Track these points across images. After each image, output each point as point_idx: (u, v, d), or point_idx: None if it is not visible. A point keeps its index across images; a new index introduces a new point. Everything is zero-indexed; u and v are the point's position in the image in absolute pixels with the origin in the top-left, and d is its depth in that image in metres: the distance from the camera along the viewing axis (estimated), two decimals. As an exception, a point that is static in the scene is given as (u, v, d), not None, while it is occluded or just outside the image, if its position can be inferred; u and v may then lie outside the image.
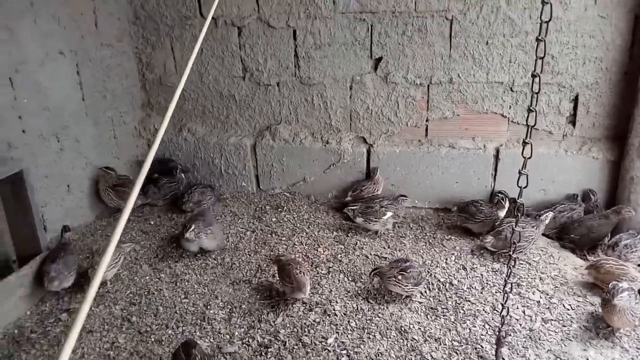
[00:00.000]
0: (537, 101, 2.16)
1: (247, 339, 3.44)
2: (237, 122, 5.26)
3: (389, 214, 4.47)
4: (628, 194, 4.22)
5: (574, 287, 3.81)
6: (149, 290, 3.92)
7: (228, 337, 3.47)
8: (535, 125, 4.43)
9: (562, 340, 3.33)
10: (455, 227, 4.61)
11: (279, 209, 4.98)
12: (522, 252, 4.12)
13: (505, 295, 2.31)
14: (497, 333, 2.25)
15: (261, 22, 4.82)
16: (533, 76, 2.17)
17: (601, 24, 4.17)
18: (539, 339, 3.34)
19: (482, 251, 4.26)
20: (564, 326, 3.43)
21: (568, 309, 3.60)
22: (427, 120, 4.76)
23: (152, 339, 3.44)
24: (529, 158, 2.27)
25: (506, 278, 2.27)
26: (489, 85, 4.54)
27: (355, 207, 4.49)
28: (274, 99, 5.05)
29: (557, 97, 4.44)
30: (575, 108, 4.46)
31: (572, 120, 4.51)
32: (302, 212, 4.92)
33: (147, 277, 4.07)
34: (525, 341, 3.33)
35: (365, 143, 4.92)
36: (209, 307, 3.75)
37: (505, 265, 4.05)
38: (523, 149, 2.12)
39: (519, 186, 2.15)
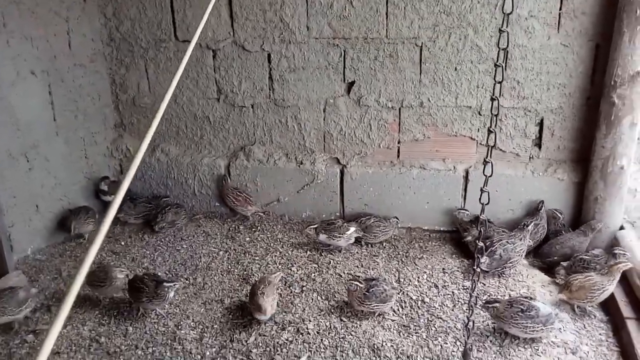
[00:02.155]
0: (496, 123, 2.27)
1: (218, 358, 3.40)
2: (211, 142, 5.28)
3: (352, 229, 4.53)
4: (593, 214, 4.37)
5: (542, 304, 3.90)
6: (119, 311, 3.84)
7: (199, 357, 3.42)
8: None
9: (530, 356, 3.39)
10: (426, 247, 4.67)
11: (253, 229, 4.98)
12: (514, 267, 4.20)
13: (471, 308, 2.36)
14: (464, 346, 2.30)
15: (236, 45, 4.89)
16: (492, 99, 2.28)
17: (564, 52, 4.37)
18: (509, 355, 3.40)
19: (452, 269, 4.33)
20: (532, 342, 3.49)
21: (536, 325, 3.67)
22: (398, 142, 4.86)
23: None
24: (489, 176, 2.36)
25: (470, 292, 2.32)
26: (458, 109, 4.69)
27: (316, 225, 4.54)
28: (248, 120, 5.10)
29: (523, 120, 4.61)
30: (540, 131, 4.63)
31: (538, 143, 4.67)
32: (276, 231, 4.93)
33: (117, 298, 3.99)
34: (495, 357, 3.38)
35: (339, 164, 4.99)
36: (180, 327, 3.70)
37: (480, 283, 4.14)
38: (484, 168, 2.20)
39: (481, 203, 2.23)
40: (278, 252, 4.59)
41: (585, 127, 4.51)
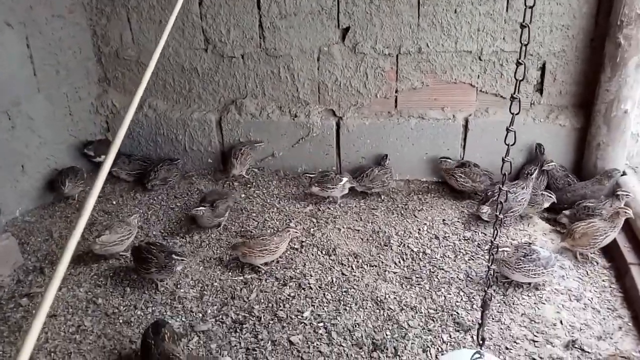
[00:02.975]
0: (518, 89, 2.09)
1: (220, 316, 3.35)
2: (200, 96, 5.07)
3: (345, 179, 4.45)
4: (595, 160, 4.29)
5: (544, 252, 3.86)
6: (115, 272, 3.75)
7: (200, 315, 3.36)
8: (498, 92, 4.55)
9: (535, 304, 3.37)
10: (425, 199, 4.59)
11: (248, 185, 4.85)
12: (515, 216, 4.14)
13: (491, 256, 2.28)
14: (484, 295, 2.25)
15: (223, -10, 4.62)
16: (517, 63, 2.08)
17: (567, -9, 4.17)
18: (513, 304, 3.38)
19: (453, 220, 4.27)
20: (536, 290, 3.47)
21: (540, 273, 3.64)
22: (396, 91, 4.69)
23: (120, 321, 3.31)
24: (512, 144, 2.20)
25: (492, 240, 2.23)
26: (458, 55, 4.50)
27: (313, 175, 4.46)
28: (238, 71, 4.88)
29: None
30: (542, 76, 4.48)
31: (540, 89, 4.53)
32: (272, 187, 4.80)
33: (112, 259, 3.89)
34: (499, 306, 3.36)
35: (335, 116, 4.83)
36: (179, 286, 3.62)
37: (477, 234, 4.09)
38: (511, 105, 2.06)
39: (506, 144, 2.10)
40: (275, 208, 4.48)
41: (588, 70, 4.36)
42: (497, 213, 2.15)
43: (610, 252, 3.77)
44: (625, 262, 3.54)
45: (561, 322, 3.20)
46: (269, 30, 4.68)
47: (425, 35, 4.47)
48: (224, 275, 3.73)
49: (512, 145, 2.11)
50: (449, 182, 4.60)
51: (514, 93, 1.99)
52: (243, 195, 4.70)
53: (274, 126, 4.90)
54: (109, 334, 3.20)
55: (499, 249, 3.41)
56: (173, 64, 4.93)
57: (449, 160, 4.60)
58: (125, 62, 4.99)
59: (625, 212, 3.62)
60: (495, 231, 2.15)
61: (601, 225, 3.64)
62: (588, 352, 2.97)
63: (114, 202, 4.64)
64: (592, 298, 3.40)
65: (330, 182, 4.44)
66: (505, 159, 2.09)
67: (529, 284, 3.49)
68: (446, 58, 4.52)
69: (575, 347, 3.00)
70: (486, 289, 2.18)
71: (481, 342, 2.10)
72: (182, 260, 3.57)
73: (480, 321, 2.19)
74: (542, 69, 4.46)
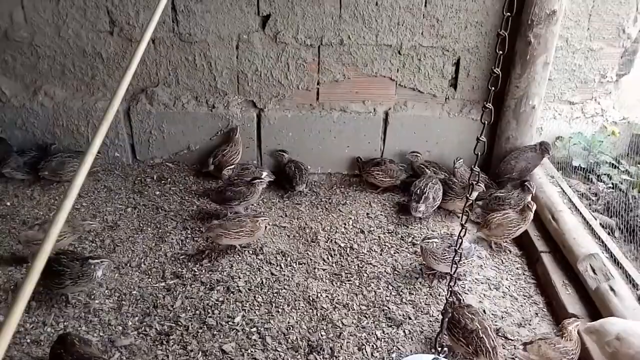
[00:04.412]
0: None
1: (143, 328, 3.10)
2: (105, 84, 4.62)
3: (265, 173, 4.38)
4: (504, 152, 4.53)
5: (463, 242, 4.03)
6: (16, 284, 3.32)
7: (121, 328, 3.09)
8: (415, 87, 4.64)
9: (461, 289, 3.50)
10: (348, 192, 4.59)
11: (162, 181, 4.53)
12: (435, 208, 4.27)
13: (457, 254, 2.30)
14: (445, 302, 2.30)
15: (130, -32, 4.22)
16: (489, 87, 2.09)
17: (481, -11, 4.32)
18: (439, 295, 3.48)
19: (376, 214, 4.31)
20: (459, 280, 3.60)
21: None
22: (318, 84, 4.61)
23: (28, 340, 2.94)
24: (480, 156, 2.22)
25: (458, 238, 2.25)
26: (378, 48, 4.51)
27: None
28: (149, 57, 4.50)
29: (441, 60, 4.56)
30: (457, 71, 4.63)
31: (454, 84, 4.68)
32: (189, 183, 4.53)
33: (11, 269, 3.44)
34: (427, 298, 3.44)
35: (255, 107, 4.64)
36: (92, 297, 3.30)
37: (400, 227, 4.17)
38: (482, 115, 2.07)
39: (475, 153, 2.13)
40: (195, 206, 4.23)
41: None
42: (467, 209, 2.17)
43: (521, 240, 4.02)
44: (536, 250, 3.79)
45: (484, 311, 3.35)
46: (183, 13, 4.36)
47: (347, 27, 4.42)
48: (143, 282, 3.46)
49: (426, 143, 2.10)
50: (368, 181, 4.62)
51: (487, 102, 1.99)
52: (158, 193, 4.38)
53: (190, 117, 4.61)
54: (15, 357, 2.83)
55: (429, 240, 3.50)
56: (73, 47, 4.43)
57: (418, 154, 4.60)
58: (16, 44, 4.40)
59: (530, 207, 3.82)
60: (462, 229, 2.16)
61: (515, 217, 3.86)
62: (511, 339, 3.14)
63: (8, 204, 4.11)
64: (509, 286, 3.60)
65: (250, 175, 4.30)
66: (474, 168, 2.09)
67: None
68: (367, 51, 4.51)
69: (499, 335, 3.16)
70: (448, 294, 2.20)
71: (439, 348, 2.11)
72: (102, 262, 3.20)
73: (440, 327, 2.20)
74: (457, 64, 4.61)
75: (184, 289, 3.39)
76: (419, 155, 4.59)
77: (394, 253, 3.88)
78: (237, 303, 3.31)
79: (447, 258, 3.47)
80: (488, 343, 2.83)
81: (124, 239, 3.83)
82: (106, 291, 3.34)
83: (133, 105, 4.58)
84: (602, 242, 3.67)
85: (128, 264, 3.59)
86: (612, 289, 3.13)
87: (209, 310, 3.23)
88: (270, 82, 4.59)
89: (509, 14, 1.93)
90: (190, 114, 4.59)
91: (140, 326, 3.10)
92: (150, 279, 3.47)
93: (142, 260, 3.64)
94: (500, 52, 2.01)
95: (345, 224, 4.16)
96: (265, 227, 3.82)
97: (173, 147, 4.70)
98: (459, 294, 3.25)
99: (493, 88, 2.00)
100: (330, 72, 4.57)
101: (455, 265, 2.35)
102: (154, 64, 4.53)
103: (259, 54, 4.48)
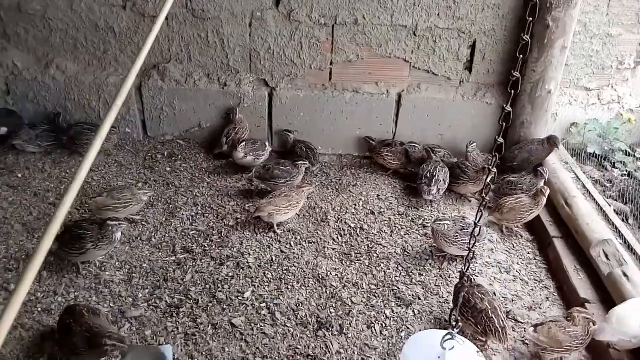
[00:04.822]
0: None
1: (153, 300, 3.11)
2: (117, 59, 4.60)
3: (269, 148, 4.48)
4: (519, 137, 4.49)
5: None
6: (27, 254, 3.33)
7: (131, 300, 3.10)
8: (430, 69, 4.58)
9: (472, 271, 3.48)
10: (359, 174, 4.56)
11: (173, 158, 4.52)
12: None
13: (473, 239, 2.28)
14: (460, 277, 2.29)
15: (145, -59, 4.18)
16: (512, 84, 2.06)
17: (499, -30, 4.25)
18: (449, 277, 3.47)
19: (387, 196, 4.28)
20: (469, 263, 3.58)
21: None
22: (331, 64, 4.56)
23: (39, 309, 2.96)
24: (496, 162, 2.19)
25: (475, 222, 2.24)
26: (393, 29, 4.45)
27: (243, 146, 4.30)
28: (162, 33, 4.47)
29: (456, 43, 4.50)
30: (472, 54, 4.56)
31: (469, 67, 4.62)
32: (200, 160, 4.52)
33: (22, 239, 3.45)
34: (437, 280, 3.43)
35: (267, 86, 4.61)
36: (103, 268, 3.30)
37: (410, 209, 4.14)
38: (501, 117, 2.05)
39: (494, 154, 2.12)
40: (205, 183, 4.23)
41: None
42: (484, 195, 2.15)
43: (533, 225, 3.99)
44: (548, 235, 3.76)
45: (494, 294, 3.34)
46: (197, -11, 4.32)
47: (362, 6, 4.36)
48: (154, 255, 3.46)
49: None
50: (377, 161, 4.60)
51: (506, 105, 1.97)
52: (169, 169, 4.38)
53: (202, 95, 4.59)
54: (26, 325, 2.84)
55: (441, 222, 3.47)
56: (86, 21, 4.41)
57: (372, 140, 4.60)
58: (28, 17, 4.38)
59: (544, 192, 3.79)
60: (479, 212, 2.15)
61: (528, 201, 3.82)
62: (521, 322, 3.13)
63: (19, 175, 4.11)
64: (520, 270, 3.58)
65: (261, 149, 4.35)
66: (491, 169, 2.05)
67: (462, 257, 3.60)
68: (382, 32, 4.46)
69: (510, 318, 3.14)
70: (465, 267, 2.18)
71: (454, 323, 2.10)
72: (120, 225, 3.23)
73: (453, 303, 2.18)
74: (473, 47, 4.54)
75: (194, 263, 3.40)
76: (416, 146, 4.55)
77: (404, 235, 3.86)
78: (246, 279, 3.30)
79: (459, 241, 3.45)
80: (497, 323, 2.82)
81: (135, 213, 3.83)
82: (117, 263, 3.35)
83: (145, 81, 4.56)
84: (616, 228, 3.63)
85: (139, 238, 3.59)
86: (625, 275, 3.10)
87: (219, 285, 3.23)
88: (283, 61, 4.55)
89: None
90: (202, 91, 4.57)
91: (150, 298, 3.11)
92: (160, 253, 3.47)
93: (153, 234, 3.64)
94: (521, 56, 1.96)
95: (355, 205, 4.14)
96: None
97: (184, 125, 4.68)
98: (470, 274, 3.23)
99: (514, 91, 1.95)
100: (344, 52, 4.52)
101: (471, 252, 2.33)
102: (166, 40, 4.50)
103: (272, 32, 4.44)
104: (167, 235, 3.64)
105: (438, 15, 4.40)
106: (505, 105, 2.02)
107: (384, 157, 4.49)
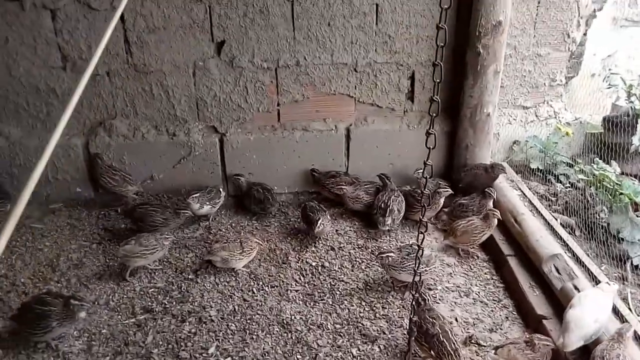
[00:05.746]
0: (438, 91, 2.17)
1: (115, 367, 3.03)
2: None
3: (223, 193, 4.49)
4: (464, 160, 4.64)
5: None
6: (-22, 334, 3.21)
7: (92, 370, 3.01)
8: (374, 102, 4.72)
9: (431, 304, 3.54)
10: (316, 210, 4.61)
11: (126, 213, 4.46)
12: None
13: (417, 275, 2.34)
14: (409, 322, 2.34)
15: (79, 3, 4.18)
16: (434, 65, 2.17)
17: (429, 4, 4.44)
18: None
19: (345, 230, 4.34)
20: (429, 290, 3.65)
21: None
22: (278, 105, 4.64)
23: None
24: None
25: (416, 259, 2.29)
26: (335, 67, 4.58)
27: (197, 194, 4.28)
28: (105, 90, 4.46)
29: (396, 75, 4.66)
30: (412, 85, 4.73)
31: (411, 97, 4.78)
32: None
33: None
34: (399, 311, 3.48)
35: (217, 132, 4.63)
36: (60, 339, 3.20)
37: (369, 240, 4.20)
38: (426, 140, 2.15)
39: (424, 177, 2.20)
40: (162, 236, 4.18)
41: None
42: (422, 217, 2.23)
43: (488, 245, 4.11)
44: (503, 254, 3.88)
45: (456, 319, 3.41)
46: (137, 45, 4.34)
47: (302, 48, 4.47)
48: (112, 319, 3.38)
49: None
50: (322, 193, 4.67)
51: (429, 129, 2.08)
52: (123, 226, 4.31)
53: (151, 147, 4.58)
54: (-21, 413, 2.73)
55: (385, 255, 3.54)
56: (26, 84, 4.36)
57: (316, 171, 4.68)
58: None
59: (494, 214, 3.93)
60: (419, 250, 2.20)
61: (479, 223, 3.94)
62: (483, 345, 3.19)
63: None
64: (478, 292, 3.67)
65: (216, 196, 4.37)
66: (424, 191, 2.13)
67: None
68: (324, 70, 4.57)
69: (472, 343, 3.21)
70: (411, 313, 2.23)
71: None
72: (82, 305, 3.11)
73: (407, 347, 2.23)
74: (412, 78, 4.71)
75: (154, 323, 3.34)
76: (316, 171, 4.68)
77: (365, 268, 3.91)
78: (210, 333, 3.27)
79: (406, 266, 3.50)
80: (449, 346, 2.88)
81: (90, 276, 3.75)
82: (75, 332, 3.25)
83: (92, 139, 4.52)
84: (564, 242, 3.78)
85: (96, 302, 3.51)
86: (576, 288, 3.23)
87: (182, 343, 3.18)
88: (230, 107, 4.59)
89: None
90: (150, 144, 4.56)
91: (112, 366, 3.03)
92: (119, 316, 3.40)
93: (110, 296, 3.56)
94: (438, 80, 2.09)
95: (315, 243, 4.17)
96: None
97: (136, 178, 4.63)
98: (425, 294, 3.27)
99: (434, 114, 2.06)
100: (290, 93, 4.61)
101: (417, 274, 2.39)
102: (110, 96, 4.48)
103: (216, 80, 4.49)
104: (125, 296, 3.57)
105: (375, 50, 4.55)
106: (428, 129, 2.15)
107: (328, 188, 4.55)
